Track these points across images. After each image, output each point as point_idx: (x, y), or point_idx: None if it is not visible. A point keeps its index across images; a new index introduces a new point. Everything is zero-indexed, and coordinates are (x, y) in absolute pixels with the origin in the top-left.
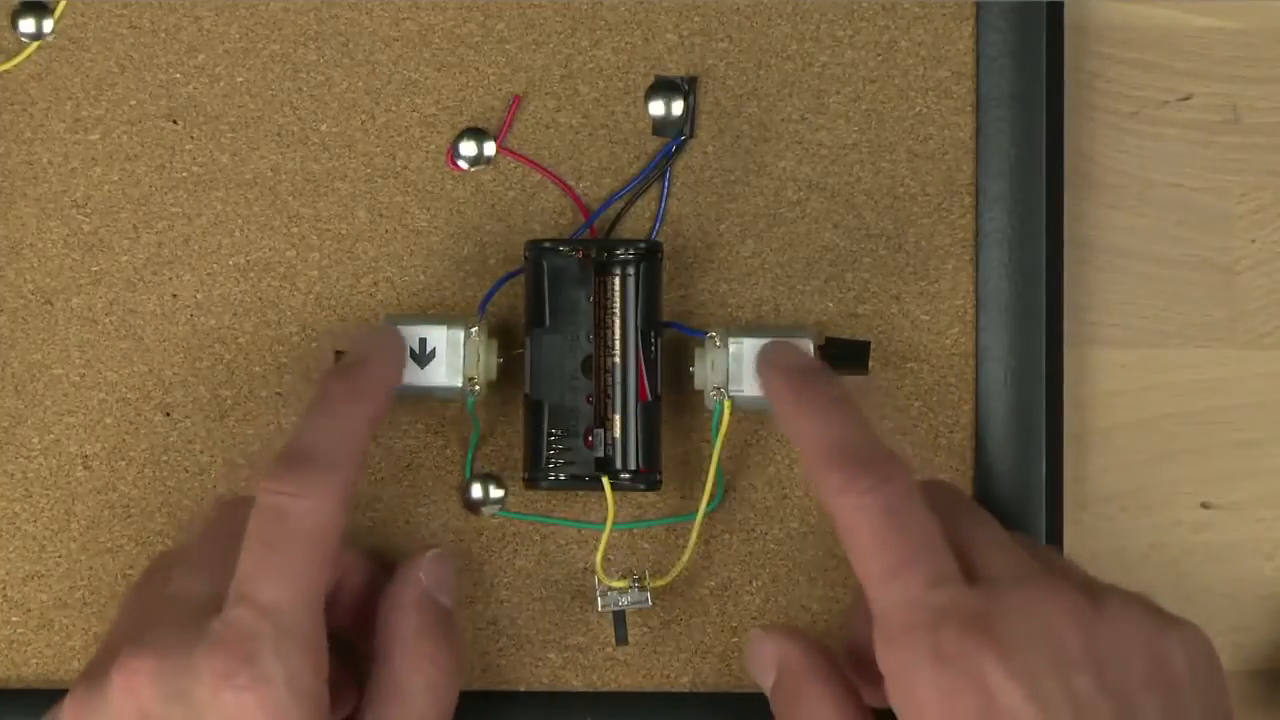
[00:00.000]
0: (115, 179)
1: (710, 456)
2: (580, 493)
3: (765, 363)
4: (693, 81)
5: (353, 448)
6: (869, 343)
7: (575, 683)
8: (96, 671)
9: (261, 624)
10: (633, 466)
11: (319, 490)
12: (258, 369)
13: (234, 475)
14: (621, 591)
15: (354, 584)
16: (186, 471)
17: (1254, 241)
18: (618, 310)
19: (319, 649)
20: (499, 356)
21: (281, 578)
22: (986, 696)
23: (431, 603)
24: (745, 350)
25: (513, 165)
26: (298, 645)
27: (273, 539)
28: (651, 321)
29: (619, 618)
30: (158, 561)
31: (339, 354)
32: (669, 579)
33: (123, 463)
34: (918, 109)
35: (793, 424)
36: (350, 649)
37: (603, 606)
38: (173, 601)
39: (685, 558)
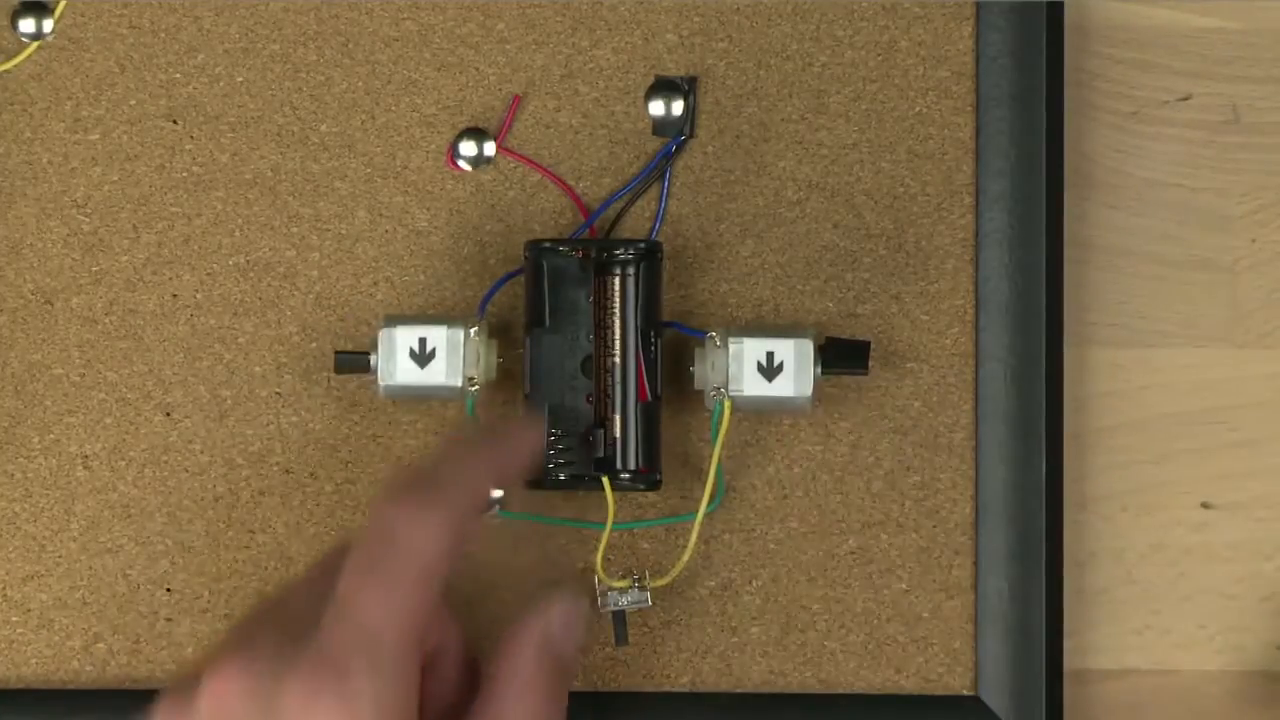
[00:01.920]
0: (115, 179)
1: (710, 456)
2: (580, 493)
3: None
4: (693, 81)
5: (475, 494)
6: (869, 343)
7: (575, 683)
8: (190, 679)
9: (356, 642)
10: (633, 466)
11: (433, 519)
12: (258, 369)
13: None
14: (622, 591)
15: (452, 666)
16: (186, 471)
17: (1254, 241)
18: (618, 310)
19: (412, 679)
20: (499, 356)
21: (381, 598)
22: None
23: (554, 648)
24: (745, 350)
25: (513, 165)
26: (391, 669)
27: (377, 559)
28: (651, 321)
29: (619, 618)
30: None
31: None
32: (669, 579)
33: (123, 463)
34: (918, 109)
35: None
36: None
37: (603, 606)
38: (274, 616)
39: (685, 558)
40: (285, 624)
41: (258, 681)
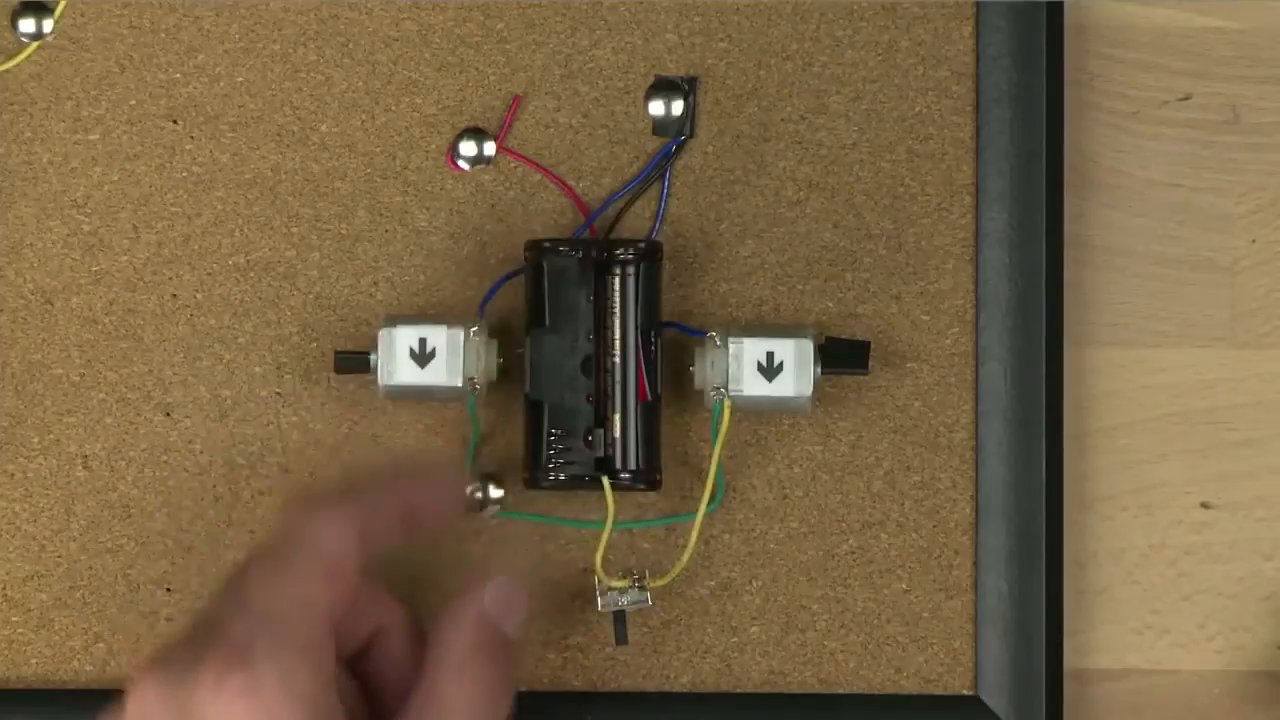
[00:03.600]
0: (115, 179)
1: (710, 456)
2: (580, 493)
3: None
4: (693, 81)
5: (384, 509)
6: (869, 343)
7: (575, 683)
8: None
9: (257, 628)
10: (633, 466)
11: (337, 519)
12: (258, 369)
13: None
14: (621, 591)
15: (398, 644)
16: (186, 471)
17: (1254, 241)
18: (618, 310)
19: (323, 661)
20: (499, 356)
21: (282, 587)
22: None
23: (489, 625)
24: (745, 350)
25: (513, 165)
26: (296, 651)
27: (280, 554)
28: (651, 321)
29: (619, 618)
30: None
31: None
32: (669, 579)
33: (123, 463)
34: (918, 109)
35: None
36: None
37: (603, 606)
38: (190, 626)
39: (685, 558)
40: (197, 629)
41: (170, 682)
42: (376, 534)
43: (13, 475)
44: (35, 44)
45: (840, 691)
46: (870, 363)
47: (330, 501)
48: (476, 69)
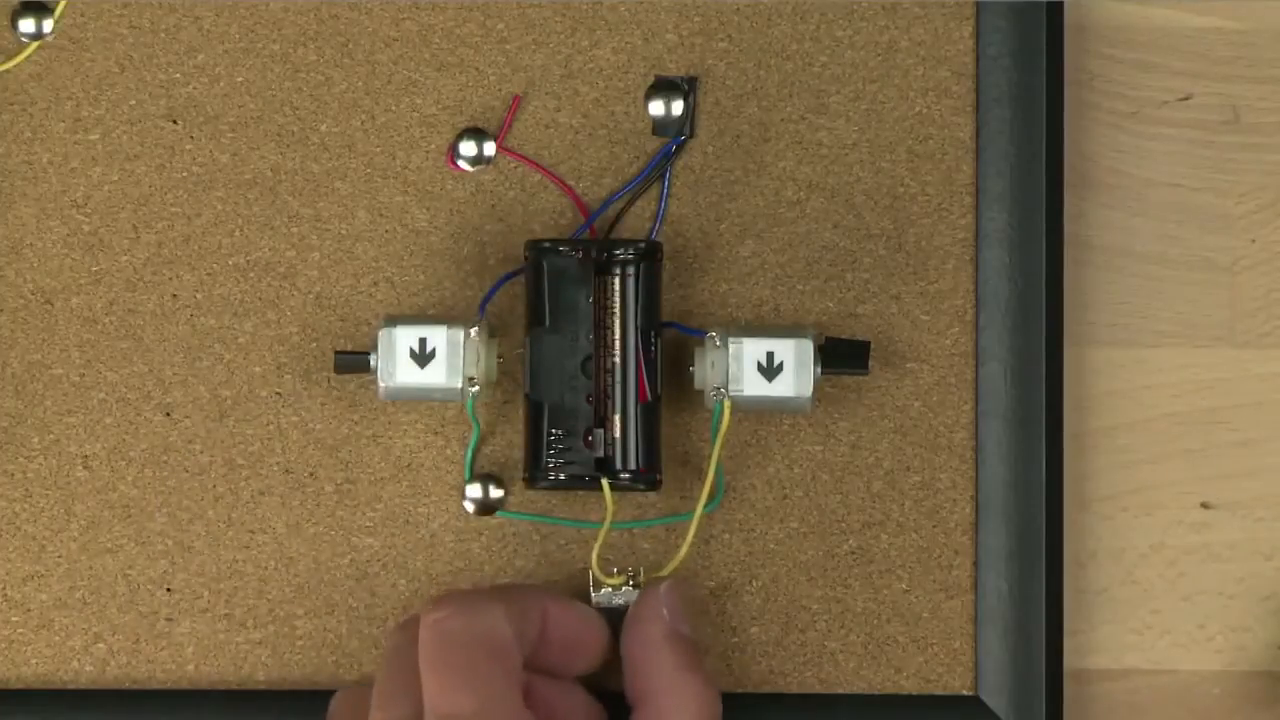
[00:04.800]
0: (115, 179)
1: (710, 456)
2: (580, 493)
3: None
4: (693, 81)
5: (524, 605)
6: (869, 343)
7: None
8: None
9: None
10: (632, 466)
11: (478, 607)
12: (258, 369)
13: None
14: (616, 589)
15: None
16: (186, 471)
17: (1253, 241)
18: (618, 310)
19: None
20: (499, 356)
21: (467, 687)
22: None
23: (680, 636)
24: (745, 350)
25: (513, 165)
26: None
27: (444, 655)
28: (651, 321)
29: (614, 615)
30: (342, 701)
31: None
32: (664, 573)
33: (123, 463)
34: (918, 109)
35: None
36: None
37: (596, 603)
38: None
39: (683, 552)
40: None
41: None
42: (525, 628)
43: (13, 475)
44: (35, 44)
45: (840, 691)
46: (870, 363)
47: (469, 597)
48: (476, 69)
